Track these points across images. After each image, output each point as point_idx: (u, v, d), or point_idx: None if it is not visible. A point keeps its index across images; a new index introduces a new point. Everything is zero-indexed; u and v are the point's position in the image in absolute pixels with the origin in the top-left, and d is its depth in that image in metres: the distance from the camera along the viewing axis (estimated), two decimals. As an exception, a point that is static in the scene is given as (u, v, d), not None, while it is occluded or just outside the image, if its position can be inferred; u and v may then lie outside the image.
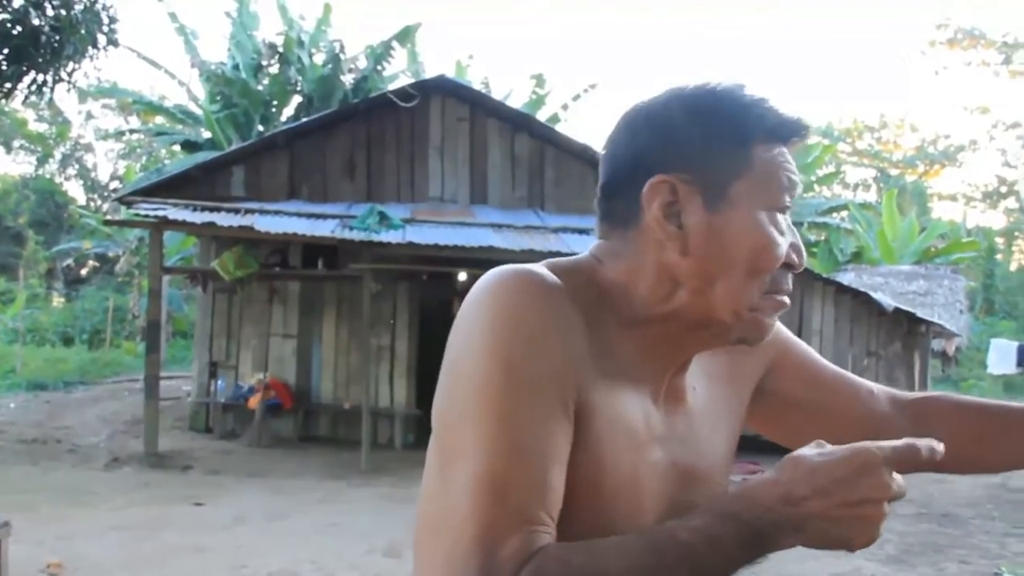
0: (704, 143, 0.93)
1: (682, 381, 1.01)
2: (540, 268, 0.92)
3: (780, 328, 1.13)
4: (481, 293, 0.90)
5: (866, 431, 1.03)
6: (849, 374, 1.21)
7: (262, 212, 9.12)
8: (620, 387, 0.93)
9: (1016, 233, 31.80)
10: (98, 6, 8.28)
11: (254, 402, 9.59)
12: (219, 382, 9.99)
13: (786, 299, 0.97)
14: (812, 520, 0.80)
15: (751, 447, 9.65)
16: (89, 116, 28.29)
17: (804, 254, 0.97)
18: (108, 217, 16.14)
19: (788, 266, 0.96)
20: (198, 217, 8.69)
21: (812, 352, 1.19)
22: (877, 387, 1.20)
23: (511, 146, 10.42)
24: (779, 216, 0.94)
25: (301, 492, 7.44)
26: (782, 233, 0.94)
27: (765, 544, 0.81)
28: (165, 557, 5.42)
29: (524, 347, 0.86)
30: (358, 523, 6.23)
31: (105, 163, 29.37)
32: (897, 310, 10.71)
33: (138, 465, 8.24)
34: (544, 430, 0.85)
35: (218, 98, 15.62)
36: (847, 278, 14.56)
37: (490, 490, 0.82)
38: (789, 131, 0.96)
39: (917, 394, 1.20)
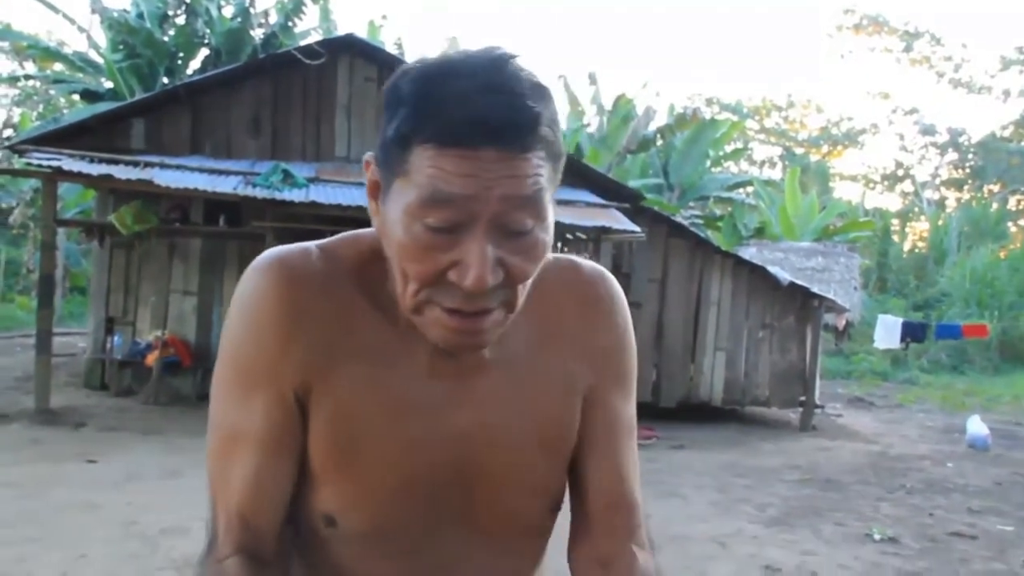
0: (384, 131, 0.89)
1: None
2: (299, 254, 0.97)
3: (623, 370, 1.09)
4: (242, 278, 0.99)
5: (576, 519, 1.07)
6: (622, 459, 1.08)
7: (163, 166, 8.89)
8: (384, 359, 0.97)
9: (910, 215, 33.07)
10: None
11: (152, 359, 9.41)
12: (116, 338, 9.75)
13: (464, 320, 0.87)
14: None
15: (649, 414, 9.86)
16: (-21, 59, 26.90)
17: (479, 274, 0.84)
18: None
19: (454, 284, 0.86)
20: (95, 169, 8.41)
21: (622, 415, 1.09)
22: (620, 503, 1.08)
23: (419, 109, 10.36)
24: (436, 231, 0.84)
25: (197, 450, 7.23)
26: (432, 247, 0.85)
27: None
28: (54, 514, 5.32)
29: (248, 345, 0.96)
30: (254, 481, 6.19)
31: (-2, 109, 28.01)
32: (792, 284, 11.08)
33: (28, 422, 8.00)
34: (257, 418, 0.96)
35: (121, 47, 15.02)
36: (749, 252, 14.99)
37: (216, 478, 0.99)
38: (456, 137, 0.83)
39: (630, 558, 1.04)
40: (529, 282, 0.91)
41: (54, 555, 4.56)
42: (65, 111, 19.12)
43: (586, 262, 1.10)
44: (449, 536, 1.02)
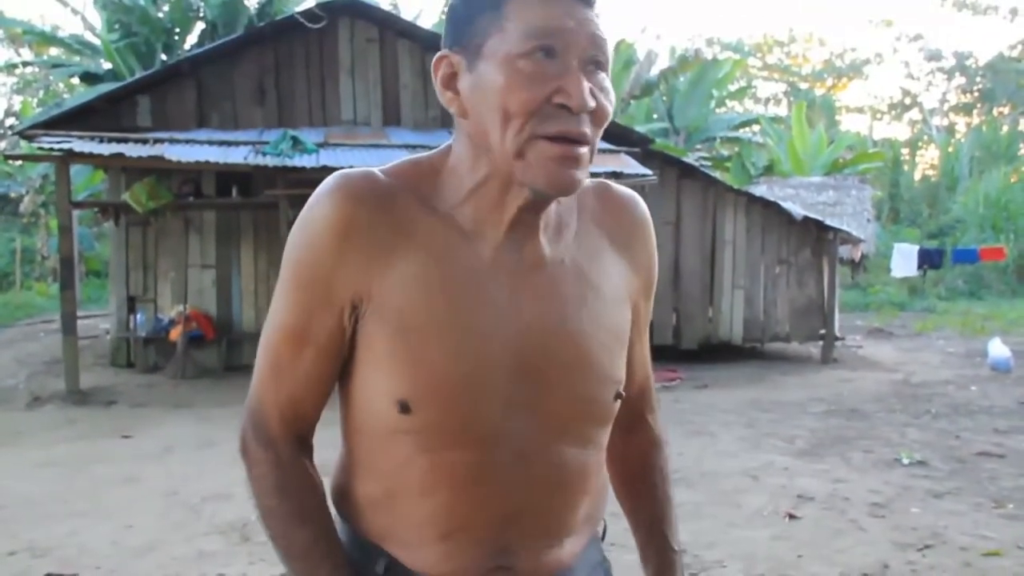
0: (467, 14, 1.03)
1: (536, 246, 1.08)
2: (362, 174, 1.07)
3: (653, 280, 1.26)
4: (313, 194, 1.07)
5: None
6: (646, 349, 1.29)
7: (172, 141, 8.90)
8: (447, 256, 1.05)
9: (920, 144, 32.76)
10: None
11: (176, 334, 9.50)
12: (138, 316, 9.84)
13: (567, 145, 0.98)
14: None
15: (670, 356, 9.79)
16: (-25, 48, 26.79)
17: (583, 94, 0.97)
18: (8, 152, 15.49)
19: (563, 107, 0.98)
20: (105, 148, 8.44)
21: (646, 315, 1.26)
22: (643, 384, 1.30)
23: (422, 66, 10.30)
24: (541, 60, 0.98)
25: (229, 419, 7.40)
26: (537, 76, 0.97)
27: None
28: (97, 489, 5.42)
29: (307, 252, 1.05)
30: (288, 445, 6.27)
31: (-2, 98, 27.95)
32: (806, 218, 11.06)
33: (61, 403, 8.13)
34: (310, 321, 1.06)
35: (117, 27, 14.99)
36: (759, 191, 14.90)
37: (270, 369, 1.10)
38: None
39: (646, 423, 1.32)
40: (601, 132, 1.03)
41: (102, 527, 4.67)
42: (66, 95, 19.10)
43: (616, 185, 1.23)
44: (523, 425, 1.06)
